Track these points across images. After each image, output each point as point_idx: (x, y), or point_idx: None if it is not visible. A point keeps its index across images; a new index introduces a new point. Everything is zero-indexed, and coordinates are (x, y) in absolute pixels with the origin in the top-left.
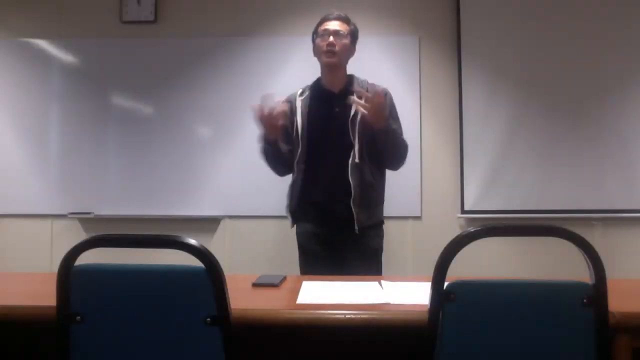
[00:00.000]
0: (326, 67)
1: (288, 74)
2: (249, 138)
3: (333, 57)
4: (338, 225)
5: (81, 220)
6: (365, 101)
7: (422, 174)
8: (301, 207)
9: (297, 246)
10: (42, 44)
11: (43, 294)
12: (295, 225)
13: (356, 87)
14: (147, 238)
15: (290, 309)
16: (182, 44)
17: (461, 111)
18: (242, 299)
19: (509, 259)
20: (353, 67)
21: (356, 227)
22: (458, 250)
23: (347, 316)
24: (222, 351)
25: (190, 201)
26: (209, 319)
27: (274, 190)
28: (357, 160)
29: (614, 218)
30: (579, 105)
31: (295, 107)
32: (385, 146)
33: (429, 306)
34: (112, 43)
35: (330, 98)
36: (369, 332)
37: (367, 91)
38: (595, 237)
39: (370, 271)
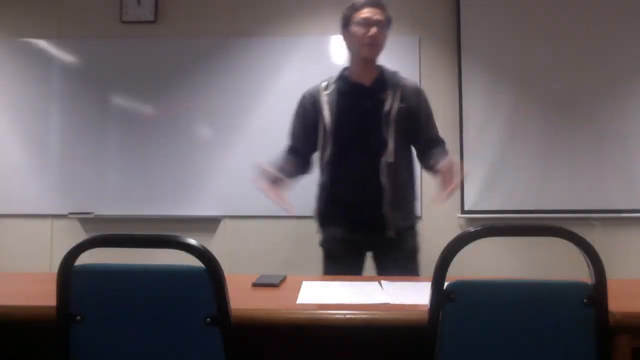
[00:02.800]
0: (363, 60)
1: (288, 74)
2: (249, 138)
3: (374, 50)
4: (370, 229)
5: (81, 220)
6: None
7: (423, 174)
8: (329, 210)
9: (318, 250)
10: (42, 44)
11: (43, 294)
12: (321, 230)
13: (389, 83)
14: (147, 238)
15: (290, 309)
16: (182, 44)
17: (461, 111)
18: (242, 299)
19: (509, 259)
20: None
21: (392, 232)
22: (458, 250)
23: (347, 316)
24: (222, 351)
25: (190, 201)
26: (208, 319)
27: None
28: (391, 160)
29: (614, 218)
30: (579, 106)
31: (321, 103)
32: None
33: (429, 306)
34: (112, 43)
35: (360, 92)
36: (369, 332)
37: (401, 89)
38: (595, 237)
39: (408, 273)
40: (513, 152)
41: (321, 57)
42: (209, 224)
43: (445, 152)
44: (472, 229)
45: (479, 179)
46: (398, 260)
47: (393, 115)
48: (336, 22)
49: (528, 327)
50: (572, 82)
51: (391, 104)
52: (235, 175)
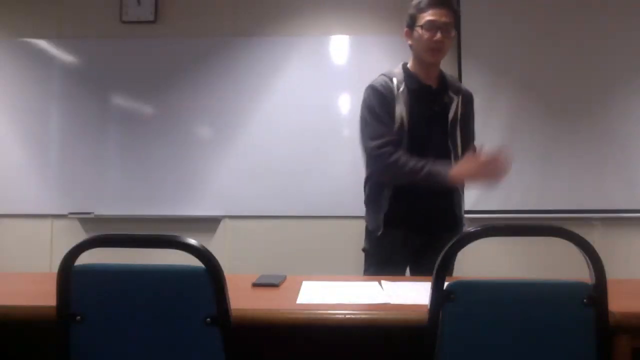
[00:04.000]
0: (426, 64)
1: (288, 74)
2: (249, 138)
3: (439, 55)
4: (445, 230)
5: (81, 220)
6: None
7: None
8: (394, 213)
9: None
10: (42, 44)
11: (43, 294)
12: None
13: (452, 87)
14: (147, 238)
15: (290, 309)
16: (182, 44)
17: None
18: (242, 299)
19: (509, 259)
20: (354, 68)
21: (462, 224)
22: (458, 250)
23: (347, 316)
24: (221, 351)
25: (190, 201)
26: (208, 319)
27: (274, 190)
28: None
29: (614, 218)
30: (578, 105)
31: (396, 99)
32: None
33: (429, 306)
34: (112, 43)
35: (430, 95)
36: (369, 332)
37: (461, 89)
38: (595, 237)
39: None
40: (513, 152)
41: (321, 57)
42: (209, 224)
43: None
44: (472, 229)
45: None
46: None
47: (457, 121)
48: (336, 22)
49: (528, 327)
50: (572, 82)
51: (455, 110)
52: (235, 175)
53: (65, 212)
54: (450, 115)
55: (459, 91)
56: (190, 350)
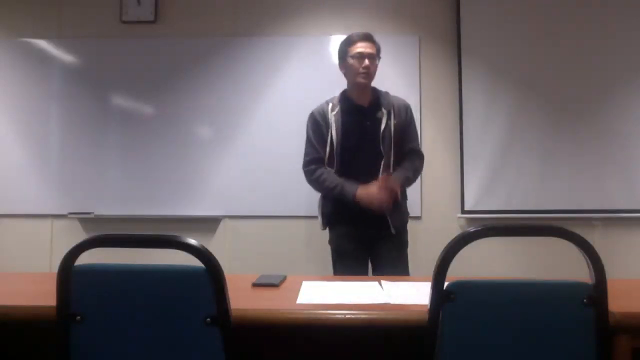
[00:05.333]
0: (359, 86)
1: (288, 74)
2: (249, 138)
3: (367, 79)
4: (375, 227)
5: (81, 220)
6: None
7: (422, 173)
8: (336, 212)
9: (326, 248)
10: (42, 44)
11: (43, 294)
12: (327, 229)
13: (383, 104)
14: (147, 238)
15: (290, 309)
16: (182, 44)
17: (461, 111)
18: (242, 299)
19: (509, 259)
20: None
21: (392, 230)
22: (458, 250)
23: (347, 316)
24: (221, 351)
25: (190, 201)
26: (208, 319)
27: (274, 190)
28: (388, 169)
29: (614, 218)
30: (578, 105)
31: (330, 122)
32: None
33: (429, 306)
34: (112, 43)
35: (361, 112)
36: (369, 332)
37: (393, 108)
38: (595, 237)
39: (401, 263)
40: (513, 152)
41: (321, 57)
42: (209, 224)
43: (411, 166)
44: (472, 229)
45: (479, 179)
46: (392, 252)
47: (388, 132)
48: (336, 22)
49: (528, 327)
50: (572, 81)
51: (386, 122)
52: (235, 175)
53: (65, 212)
54: (382, 127)
55: (391, 106)
56: (190, 350)
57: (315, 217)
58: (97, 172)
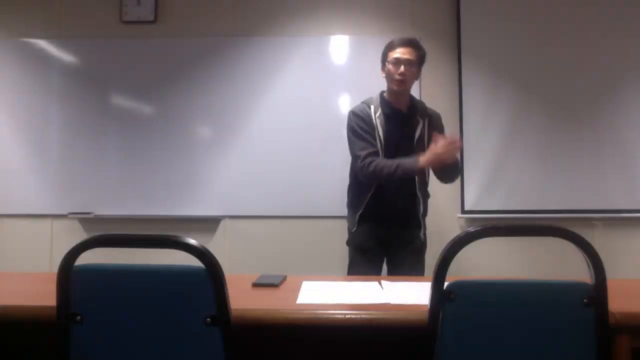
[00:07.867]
0: (395, 92)
1: (288, 74)
2: (249, 138)
3: (403, 85)
4: (406, 229)
5: (81, 220)
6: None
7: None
8: (368, 212)
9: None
10: (42, 44)
11: (43, 294)
12: (356, 225)
13: (419, 111)
14: (147, 238)
15: (290, 309)
16: (182, 44)
17: (461, 111)
18: (242, 299)
19: (509, 259)
20: (354, 68)
21: (422, 235)
22: (458, 250)
23: (347, 316)
24: (222, 351)
25: (190, 201)
26: (209, 319)
27: (274, 190)
28: (427, 179)
29: (614, 218)
30: (579, 105)
31: (375, 124)
32: (450, 172)
33: (429, 306)
34: (112, 43)
35: (400, 117)
36: (369, 332)
37: (429, 116)
38: (595, 237)
39: (419, 266)
40: (513, 152)
41: (321, 57)
42: (209, 224)
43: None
44: (472, 229)
45: (479, 179)
46: (411, 256)
47: (422, 139)
48: (336, 22)
49: (528, 327)
50: (572, 82)
51: (421, 130)
52: (235, 175)
53: (65, 212)
54: (417, 135)
55: (425, 115)
56: (190, 350)
57: (316, 217)
58: (97, 172)
